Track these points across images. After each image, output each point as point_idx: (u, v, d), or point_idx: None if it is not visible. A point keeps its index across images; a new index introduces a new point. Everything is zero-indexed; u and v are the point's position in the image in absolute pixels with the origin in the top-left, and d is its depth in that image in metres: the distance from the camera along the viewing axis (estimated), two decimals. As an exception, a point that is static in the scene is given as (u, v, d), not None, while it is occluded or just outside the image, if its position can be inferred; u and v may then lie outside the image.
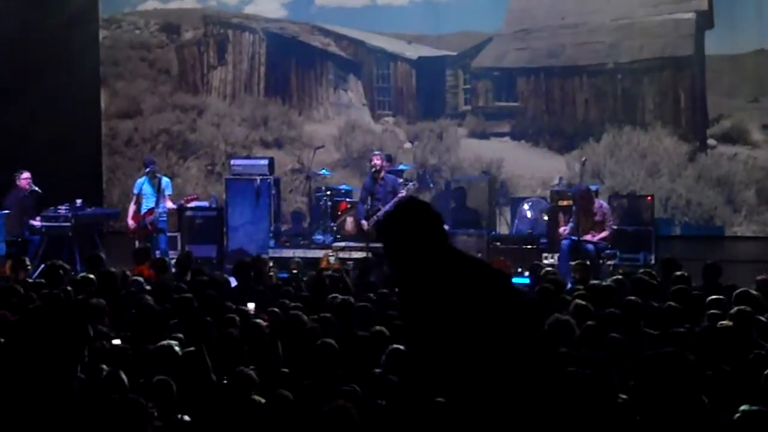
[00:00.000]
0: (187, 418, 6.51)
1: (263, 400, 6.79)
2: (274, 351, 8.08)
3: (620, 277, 12.35)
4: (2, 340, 7.66)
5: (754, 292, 10.67)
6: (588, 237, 15.46)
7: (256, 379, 7.05)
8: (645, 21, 19.51)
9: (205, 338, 8.11)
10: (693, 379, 4.75)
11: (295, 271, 14.38)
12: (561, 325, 8.39)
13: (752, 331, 8.92)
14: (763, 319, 9.31)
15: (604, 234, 15.60)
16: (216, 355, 7.80)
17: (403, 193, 16.48)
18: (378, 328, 8.65)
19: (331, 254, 16.25)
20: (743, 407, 5.85)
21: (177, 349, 7.82)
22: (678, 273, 12.07)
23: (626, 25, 19.57)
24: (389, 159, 17.83)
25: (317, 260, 16.22)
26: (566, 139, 19.81)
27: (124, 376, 7.05)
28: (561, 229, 16.05)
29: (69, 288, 11.18)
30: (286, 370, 7.79)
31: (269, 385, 7.13)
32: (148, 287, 11.48)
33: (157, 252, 16.10)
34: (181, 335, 8.51)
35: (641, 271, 12.54)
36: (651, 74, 19.56)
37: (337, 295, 10.79)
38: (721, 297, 10.37)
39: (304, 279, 13.05)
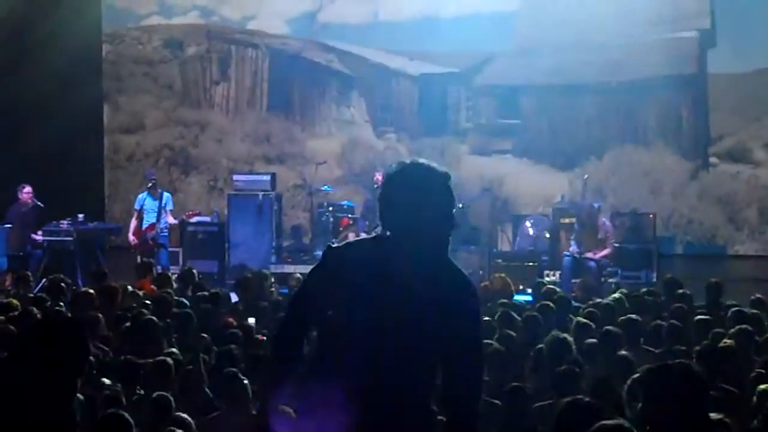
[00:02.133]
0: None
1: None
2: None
3: (621, 295, 12.32)
4: (5, 354, 7.65)
5: (751, 311, 10.68)
6: (589, 254, 15.45)
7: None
8: (648, 39, 19.51)
9: (203, 353, 8.10)
10: (701, 391, 4.74)
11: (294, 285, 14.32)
12: (559, 342, 8.38)
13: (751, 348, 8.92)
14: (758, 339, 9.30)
15: (605, 252, 15.60)
16: (214, 370, 7.79)
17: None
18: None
19: None
20: None
21: (172, 363, 7.80)
22: (680, 291, 12.07)
23: (629, 44, 19.57)
24: None
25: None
26: (568, 157, 19.80)
27: (122, 393, 7.04)
28: (571, 249, 15.99)
29: (70, 302, 11.18)
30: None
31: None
32: (148, 302, 11.46)
33: (159, 267, 16.09)
34: (176, 350, 8.50)
35: (643, 290, 12.53)
36: (654, 92, 19.56)
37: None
38: (723, 316, 10.37)
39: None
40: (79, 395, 5.04)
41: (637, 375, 5.93)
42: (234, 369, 7.71)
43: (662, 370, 4.77)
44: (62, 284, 12.17)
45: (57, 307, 10.84)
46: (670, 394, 4.65)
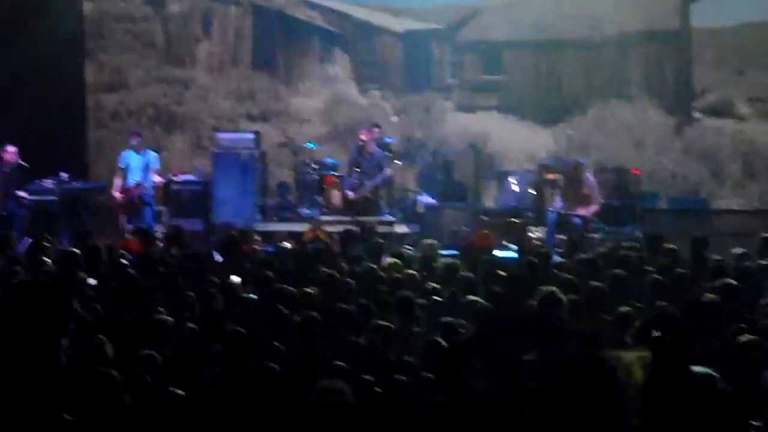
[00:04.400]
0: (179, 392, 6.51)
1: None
2: (260, 325, 8.10)
3: (606, 250, 12.37)
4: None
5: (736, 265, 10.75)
6: (581, 211, 15.47)
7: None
8: (631, -6, 19.51)
9: (188, 312, 8.12)
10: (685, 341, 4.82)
11: (281, 244, 14.33)
12: (549, 297, 8.40)
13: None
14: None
15: (593, 208, 15.63)
16: (200, 329, 7.81)
17: (389, 171, 16.50)
18: (362, 301, 8.66)
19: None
20: None
21: (162, 323, 7.82)
22: (666, 246, 12.12)
23: (613, -1, 19.57)
24: (377, 126, 17.79)
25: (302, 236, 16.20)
26: (552, 113, 19.81)
27: (109, 350, 7.04)
28: (553, 205, 16.02)
29: (55, 262, 11.18)
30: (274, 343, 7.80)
31: (256, 358, 7.14)
32: (133, 261, 11.47)
33: (143, 226, 16.07)
34: (162, 309, 8.52)
35: (627, 245, 12.57)
36: (637, 47, 19.57)
37: (322, 268, 10.80)
38: (707, 270, 10.42)
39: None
40: (69, 353, 5.04)
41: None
42: (222, 326, 7.74)
43: (649, 322, 4.84)
44: (46, 243, 12.16)
45: (41, 267, 10.83)
46: (654, 345, 4.71)
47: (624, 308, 8.50)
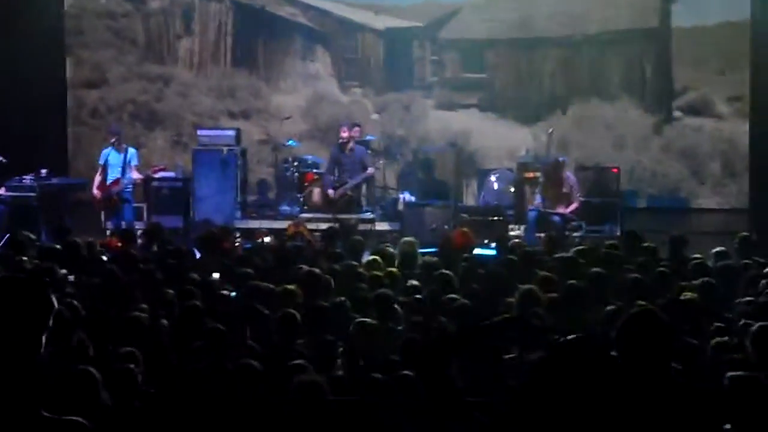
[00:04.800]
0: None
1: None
2: (240, 322, 8.09)
3: (585, 248, 12.40)
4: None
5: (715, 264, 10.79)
6: (561, 210, 15.51)
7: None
8: (612, -7, 19.55)
9: (168, 309, 8.11)
10: (667, 338, 4.84)
11: (259, 241, 14.33)
12: (527, 295, 8.43)
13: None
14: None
15: (573, 206, 15.68)
16: (179, 326, 7.80)
17: (371, 170, 16.51)
18: (340, 298, 8.67)
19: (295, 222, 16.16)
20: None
21: (141, 319, 7.82)
22: (644, 245, 12.15)
23: (593, -3, 19.62)
24: (357, 125, 17.82)
25: (284, 231, 16.19)
26: (533, 111, 19.84)
27: (89, 347, 7.04)
28: (533, 203, 16.06)
29: (35, 258, 11.16)
30: (249, 341, 7.80)
31: (235, 356, 7.14)
32: (112, 257, 11.45)
33: (123, 223, 16.04)
34: (145, 306, 8.51)
35: (606, 243, 12.61)
36: (617, 46, 19.63)
37: (302, 265, 10.80)
38: (686, 268, 10.46)
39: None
40: (47, 350, 5.03)
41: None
42: (201, 323, 7.73)
43: (631, 319, 4.86)
44: (26, 240, 12.13)
45: (21, 263, 10.80)
46: (639, 341, 4.74)
47: (603, 306, 8.53)
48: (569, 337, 4.67)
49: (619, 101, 19.54)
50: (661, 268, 10.66)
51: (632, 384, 4.70)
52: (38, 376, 4.43)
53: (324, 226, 15.39)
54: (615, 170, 17.63)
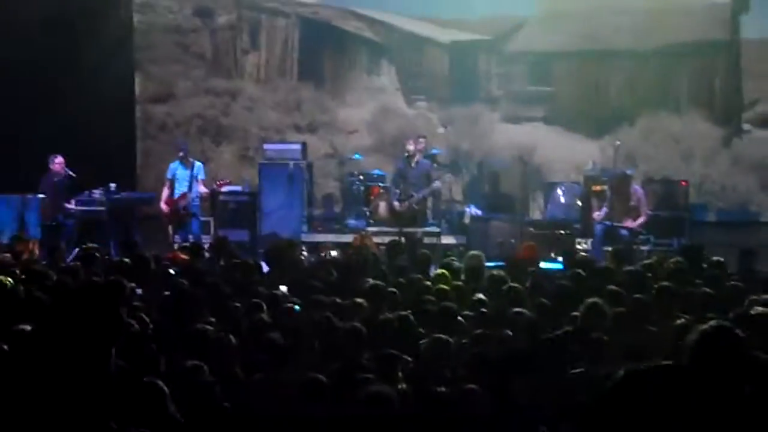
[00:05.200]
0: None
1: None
2: (306, 335, 8.11)
3: (653, 262, 12.28)
4: (38, 323, 7.71)
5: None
6: (629, 224, 15.39)
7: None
8: (680, 5, 19.41)
9: (235, 323, 8.14)
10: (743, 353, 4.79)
11: (323, 254, 14.35)
12: (592, 309, 8.35)
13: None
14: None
15: (641, 220, 15.55)
16: (246, 340, 7.82)
17: (438, 184, 16.47)
18: (405, 312, 8.64)
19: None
20: None
21: (210, 333, 7.84)
22: (714, 259, 12.01)
23: (661, 9, 19.45)
24: (423, 137, 17.81)
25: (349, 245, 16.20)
26: (600, 124, 19.74)
27: (160, 360, 7.08)
28: (595, 214, 15.98)
29: (103, 272, 11.25)
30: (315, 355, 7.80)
31: (300, 369, 7.14)
32: (180, 271, 11.51)
33: (190, 236, 16.15)
34: (213, 320, 8.55)
35: (672, 260, 12.45)
36: (686, 58, 19.48)
37: (368, 279, 10.79)
38: (756, 282, 10.32)
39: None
40: (118, 362, 5.07)
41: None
42: (267, 336, 7.74)
43: (709, 333, 4.80)
44: (95, 254, 12.23)
45: (90, 277, 10.89)
46: (715, 356, 4.68)
47: (672, 321, 8.43)
48: (646, 365, 4.63)
49: (687, 114, 19.39)
50: (732, 282, 10.52)
51: (707, 401, 4.64)
52: (108, 387, 4.46)
53: (389, 239, 15.37)
54: (683, 183, 17.48)
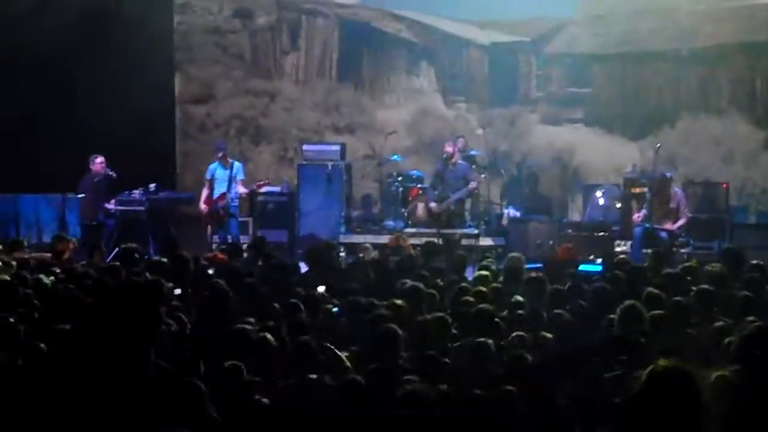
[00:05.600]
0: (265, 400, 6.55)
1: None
2: (342, 335, 8.13)
3: (693, 265, 12.21)
4: (77, 323, 7.77)
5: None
6: (668, 226, 15.31)
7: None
8: (720, 6, 19.30)
9: (274, 323, 8.16)
10: None
11: (361, 255, 14.34)
12: (630, 311, 8.31)
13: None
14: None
15: (681, 222, 15.46)
16: (285, 340, 7.85)
17: (474, 184, 16.45)
18: (439, 314, 8.63)
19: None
20: None
21: (249, 333, 7.87)
22: (753, 262, 11.93)
23: (701, 11, 19.36)
24: (462, 138, 17.80)
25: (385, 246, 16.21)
26: (640, 126, 19.65)
27: (201, 361, 7.10)
28: (635, 216, 15.91)
29: (143, 271, 11.31)
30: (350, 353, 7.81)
31: (335, 369, 7.16)
32: (218, 272, 11.56)
33: (229, 237, 16.20)
34: (252, 320, 8.58)
35: (709, 265, 12.36)
36: (726, 60, 19.35)
37: (406, 280, 10.79)
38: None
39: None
40: (158, 363, 5.10)
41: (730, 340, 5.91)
42: (306, 337, 7.76)
43: (751, 336, 4.77)
44: (135, 253, 12.31)
45: (129, 276, 10.96)
46: (755, 362, 4.65)
47: (712, 324, 8.39)
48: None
49: (727, 116, 19.27)
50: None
51: (748, 405, 4.61)
52: (147, 387, 4.49)
53: (425, 240, 15.35)
54: (724, 186, 17.37)
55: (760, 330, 4.84)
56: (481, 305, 8.96)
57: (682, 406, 4.42)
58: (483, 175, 17.06)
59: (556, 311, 9.06)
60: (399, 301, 9.40)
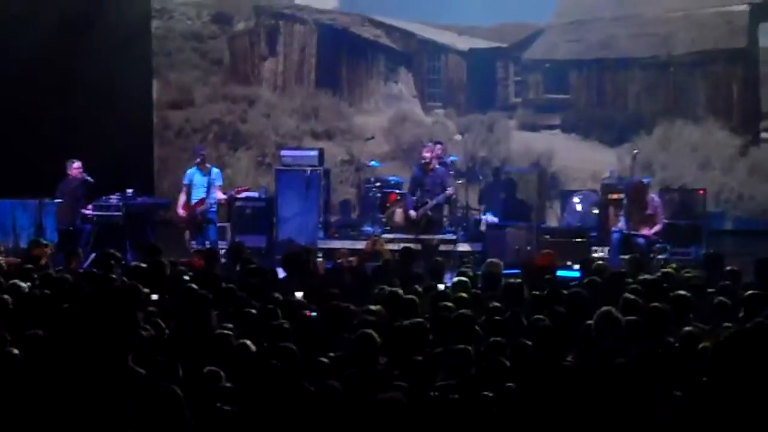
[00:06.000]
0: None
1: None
2: (321, 341, 8.11)
3: (670, 270, 12.25)
4: (53, 328, 7.73)
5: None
6: (644, 231, 15.34)
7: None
8: (698, 13, 19.36)
9: (252, 328, 8.14)
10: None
11: (340, 261, 14.32)
12: (606, 317, 8.33)
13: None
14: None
15: (656, 228, 15.50)
16: (261, 345, 7.83)
17: (451, 190, 16.46)
18: (419, 319, 8.62)
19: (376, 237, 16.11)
20: None
21: (225, 338, 7.85)
22: (728, 268, 11.98)
23: (679, 18, 19.43)
24: (440, 144, 17.79)
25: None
26: (617, 132, 19.70)
27: (179, 366, 7.08)
28: (617, 225, 15.91)
29: (120, 277, 11.28)
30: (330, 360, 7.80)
31: (316, 376, 7.15)
32: (195, 277, 11.53)
33: (207, 242, 16.17)
34: (228, 325, 8.56)
35: (685, 271, 12.40)
36: (704, 67, 19.43)
37: (384, 286, 10.78)
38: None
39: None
40: (134, 368, 5.08)
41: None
42: (285, 344, 7.75)
43: (730, 341, 4.79)
44: (112, 259, 12.26)
45: (106, 282, 10.92)
46: (741, 363, 4.67)
47: (688, 330, 8.41)
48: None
49: (705, 122, 19.33)
50: (750, 291, 10.47)
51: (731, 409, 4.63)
52: (123, 393, 4.47)
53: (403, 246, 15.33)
54: (701, 192, 17.45)
55: (734, 337, 4.85)
56: (462, 311, 8.96)
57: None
58: (459, 182, 17.04)
59: (534, 317, 9.06)
60: (373, 307, 9.40)
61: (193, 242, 16.49)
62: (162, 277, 11.26)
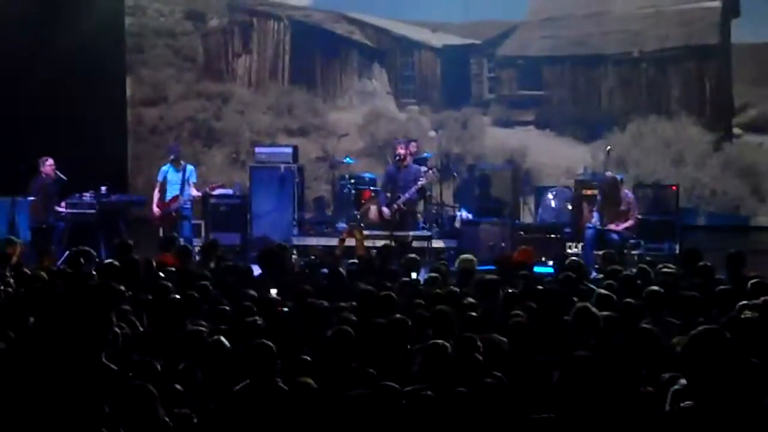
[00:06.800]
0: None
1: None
2: (296, 339, 8.11)
3: (644, 266, 12.30)
4: (26, 326, 7.71)
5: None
6: (612, 226, 15.41)
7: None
8: (671, 9, 19.43)
9: (226, 325, 8.13)
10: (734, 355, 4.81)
11: (313, 257, 14.32)
12: (583, 312, 8.36)
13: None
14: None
15: (628, 224, 15.55)
16: (238, 343, 7.82)
17: (422, 180, 16.41)
18: (398, 316, 8.61)
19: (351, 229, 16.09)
20: None
21: (201, 336, 7.84)
22: (701, 263, 12.02)
23: (652, 14, 19.48)
24: (414, 141, 17.79)
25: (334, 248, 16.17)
26: (591, 128, 19.74)
27: (154, 364, 7.07)
28: (591, 221, 15.95)
29: (93, 274, 11.25)
30: (306, 357, 7.79)
31: (291, 373, 7.15)
32: (170, 275, 11.50)
33: (181, 239, 16.13)
34: (204, 323, 8.55)
35: (660, 266, 12.44)
36: (676, 63, 19.49)
37: (360, 283, 10.80)
38: (746, 287, 10.31)
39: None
40: (107, 366, 5.07)
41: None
42: (260, 340, 7.74)
43: (698, 338, 4.81)
44: (85, 256, 12.22)
45: (80, 279, 10.89)
46: (706, 360, 4.70)
47: (661, 325, 8.45)
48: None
49: (678, 118, 19.40)
50: (721, 287, 10.52)
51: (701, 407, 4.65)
52: (97, 391, 4.46)
53: (381, 243, 15.35)
54: (674, 188, 17.52)
55: (707, 332, 4.88)
56: (439, 307, 8.96)
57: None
58: (431, 170, 16.96)
59: (510, 313, 9.08)
60: (345, 304, 9.41)
61: (167, 240, 16.43)
62: (136, 275, 11.24)
